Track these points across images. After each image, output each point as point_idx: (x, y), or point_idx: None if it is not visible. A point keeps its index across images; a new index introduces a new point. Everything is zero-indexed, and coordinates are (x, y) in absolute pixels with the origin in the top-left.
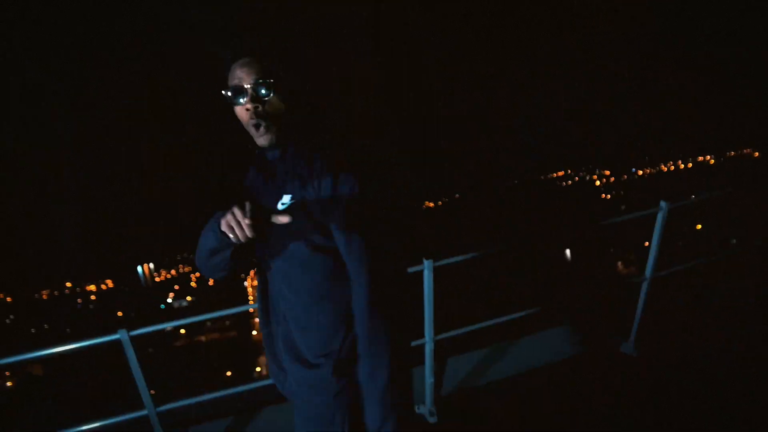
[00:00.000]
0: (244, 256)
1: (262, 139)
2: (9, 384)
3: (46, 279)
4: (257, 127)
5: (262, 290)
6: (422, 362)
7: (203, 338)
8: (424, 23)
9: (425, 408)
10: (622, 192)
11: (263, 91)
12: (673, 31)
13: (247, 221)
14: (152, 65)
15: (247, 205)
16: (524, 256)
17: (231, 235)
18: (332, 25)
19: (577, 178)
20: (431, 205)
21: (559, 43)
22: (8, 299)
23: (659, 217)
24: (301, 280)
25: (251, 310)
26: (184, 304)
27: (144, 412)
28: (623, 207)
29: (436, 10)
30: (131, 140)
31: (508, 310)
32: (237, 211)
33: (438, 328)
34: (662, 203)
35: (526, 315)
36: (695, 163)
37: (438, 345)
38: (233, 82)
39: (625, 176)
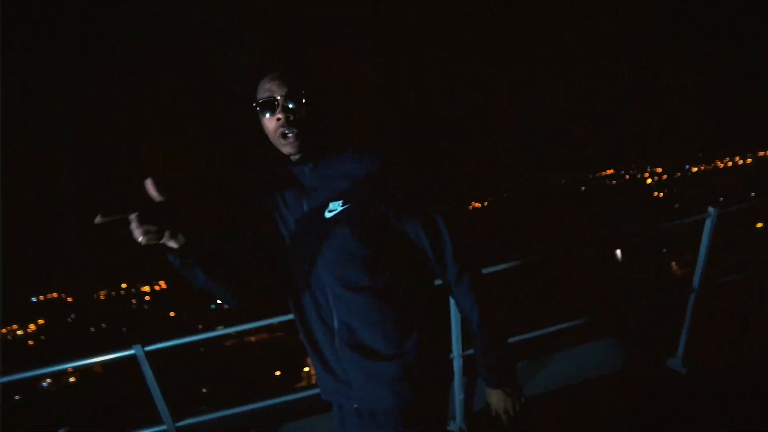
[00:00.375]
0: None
1: (289, 148)
2: (72, 380)
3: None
4: (285, 136)
5: (300, 300)
6: (451, 378)
7: (252, 339)
8: (424, 23)
9: (455, 425)
10: (675, 190)
11: (293, 104)
12: (673, 31)
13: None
14: (152, 65)
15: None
16: (565, 262)
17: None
18: (332, 25)
19: (627, 177)
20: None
21: (559, 43)
22: (69, 299)
23: (707, 224)
24: (358, 279)
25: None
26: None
27: (163, 427)
28: (677, 205)
29: (436, 10)
30: (131, 140)
31: (545, 322)
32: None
33: (468, 341)
34: (710, 209)
35: (565, 327)
36: (755, 158)
37: (468, 360)
38: (264, 95)
39: (679, 174)
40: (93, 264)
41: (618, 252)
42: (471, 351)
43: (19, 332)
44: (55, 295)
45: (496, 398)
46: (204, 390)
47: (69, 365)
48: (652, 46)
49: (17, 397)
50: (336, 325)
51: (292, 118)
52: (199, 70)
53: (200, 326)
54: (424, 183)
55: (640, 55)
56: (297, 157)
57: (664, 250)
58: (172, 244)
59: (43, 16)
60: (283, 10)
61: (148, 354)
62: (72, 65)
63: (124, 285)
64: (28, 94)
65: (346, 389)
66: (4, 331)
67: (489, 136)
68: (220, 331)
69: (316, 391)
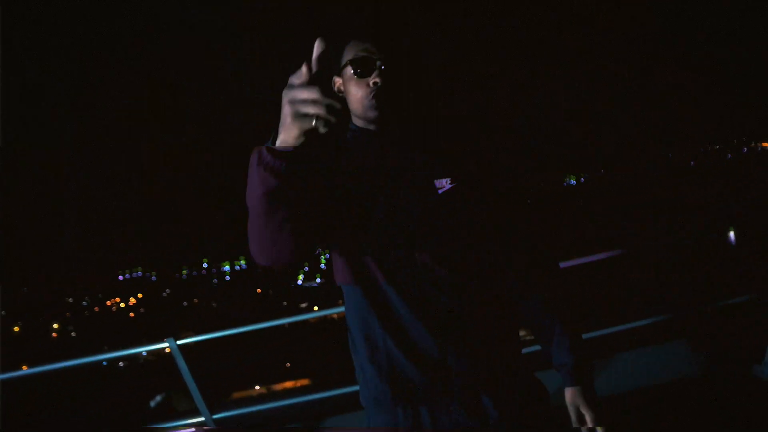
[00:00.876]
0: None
1: (377, 114)
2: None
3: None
4: (377, 103)
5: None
6: None
7: (335, 315)
8: (424, 23)
9: None
10: None
11: (394, 68)
12: (673, 31)
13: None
14: (152, 65)
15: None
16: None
17: (303, 124)
18: (332, 25)
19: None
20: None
21: (559, 43)
22: (153, 277)
23: None
24: (467, 278)
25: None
26: (314, 285)
27: (201, 419)
28: None
29: (436, 10)
30: (131, 140)
31: (616, 319)
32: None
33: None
34: None
35: (639, 326)
36: None
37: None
38: (359, 54)
39: None
40: (176, 242)
41: (731, 234)
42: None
43: (122, 305)
44: (140, 271)
45: (574, 396)
46: (288, 364)
47: (103, 357)
48: (652, 46)
49: (121, 364)
50: (443, 318)
51: (388, 83)
52: (199, 70)
53: (284, 303)
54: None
55: (640, 55)
56: (378, 124)
57: None
58: (322, 128)
59: (43, 16)
60: (283, 10)
61: (181, 347)
62: (72, 65)
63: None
64: (28, 94)
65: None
66: (108, 303)
67: (489, 136)
68: (258, 325)
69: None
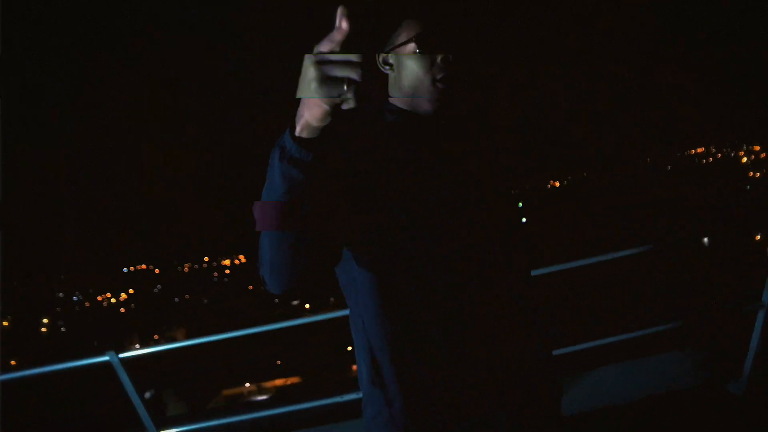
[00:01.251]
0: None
1: (434, 105)
2: None
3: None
4: (445, 81)
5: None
6: None
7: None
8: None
9: None
10: None
11: (463, 50)
12: (673, 31)
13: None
14: (152, 65)
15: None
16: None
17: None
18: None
19: (720, 155)
20: None
21: (559, 43)
22: (156, 271)
23: None
24: (501, 283)
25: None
26: None
27: None
28: None
29: (436, 10)
30: (131, 140)
31: (594, 332)
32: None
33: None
34: None
35: (616, 341)
36: None
37: None
38: (423, 31)
39: None
40: (182, 237)
41: (705, 240)
42: None
43: (113, 300)
44: (143, 266)
45: None
46: (279, 362)
47: (40, 370)
48: (652, 46)
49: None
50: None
51: (457, 60)
52: (199, 70)
53: (276, 300)
54: None
55: (640, 55)
56: (431, 110)
57: (758, 237)
58: (350, 103)
59: (43, 16)
60: (283, 10)
61: (123, 361)
62: (72, 65)
63: (206, 258)
64: (28, 94)
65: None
66: (99, 298)
67: (489, 136)
68: (206, 338)
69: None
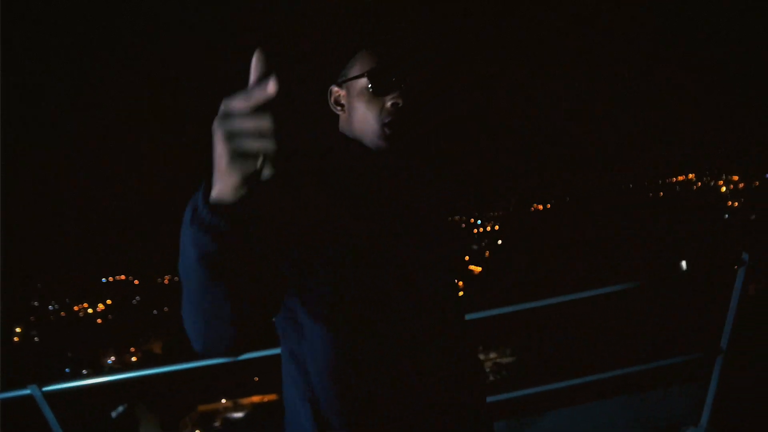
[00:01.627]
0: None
1: (386, 144)
2: (133, 359)
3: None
4: (391, 129)
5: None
6: None
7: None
8: (423, 23)
9: None
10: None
11: (416, 83)
12: (673, 31)
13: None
14: (152, 65)
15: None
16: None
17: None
18: (333, 26)
19: (699, 184)
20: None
21: (559, 43)
22: (136, 282)
23: (740, 274)
24: (432, 328)
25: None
26: None
27: None
28: (753, 217)
29: (437, 10)
30: (131, 140)
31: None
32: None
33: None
34: (745, 255)
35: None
36: None
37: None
38: (379, 65)
39: (757, 183)
40: (161, 249)
41: (683, 263)
42: None
43: (90, 310)
44: (122, 277)
45: None
46: (256, 378)
47: None
48: (652, 46)
49: (85, 371)
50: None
51: (407, 104)
52: (199, 70)
53: None
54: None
55: (640, 55)
56: (384, 147)
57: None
58: (267, 171)
59: (43, 16)
60: (283, 11)
61: (47, 395)
62: (72, 65)
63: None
64: (28, 94)
65: None
66: (75, 308)
67: (489, 136)
68: (134, 373)
69: None
